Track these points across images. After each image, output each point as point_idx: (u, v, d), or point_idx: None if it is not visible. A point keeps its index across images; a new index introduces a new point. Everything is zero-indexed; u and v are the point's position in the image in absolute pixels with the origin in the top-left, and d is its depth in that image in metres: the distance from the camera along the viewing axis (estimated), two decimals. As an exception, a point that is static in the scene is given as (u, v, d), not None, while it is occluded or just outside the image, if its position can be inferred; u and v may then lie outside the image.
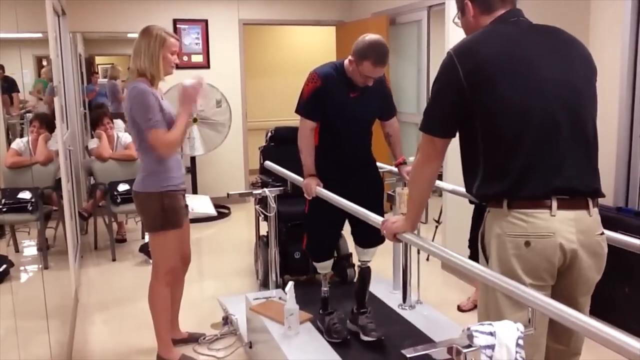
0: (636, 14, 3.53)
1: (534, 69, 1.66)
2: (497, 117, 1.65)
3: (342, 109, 2.77)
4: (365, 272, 3.00)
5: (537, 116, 1.63)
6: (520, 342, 1.35)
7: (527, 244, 1.60)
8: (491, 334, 1.32)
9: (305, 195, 2.87)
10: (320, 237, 2.98)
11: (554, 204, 1.60)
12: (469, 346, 1.29)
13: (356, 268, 3.04)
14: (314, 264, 3.05)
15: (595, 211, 1.68)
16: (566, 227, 1.61)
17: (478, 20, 1.79)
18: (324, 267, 3.03)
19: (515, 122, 1.64)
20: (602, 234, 1.72)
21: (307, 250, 3.04)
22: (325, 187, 2.75)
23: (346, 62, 2.74)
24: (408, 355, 1.27)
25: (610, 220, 3.37)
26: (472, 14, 1.80)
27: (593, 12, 3.80)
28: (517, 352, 1.34)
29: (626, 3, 3.53)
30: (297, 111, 2.85)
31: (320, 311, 3.00)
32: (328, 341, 2.76)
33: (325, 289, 3.02)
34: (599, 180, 1.73)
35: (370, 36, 2.65)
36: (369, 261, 3.01)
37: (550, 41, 1.73)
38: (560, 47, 1.73)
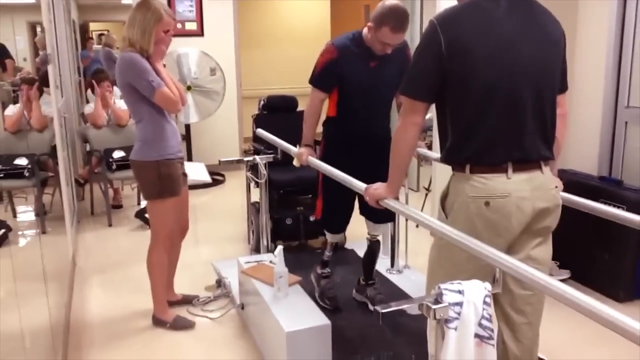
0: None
1: (507, 47, 1.74)
2: (469, 87, 1.75)
3: (361, 78, 2.72)
4: (375, 246, 3.04)
5: (503, 92, 1.74)
6: (488, 300, 1.45)
7: (487, 204, 1.75)
8: (460, 292, 1.42)
9: (294, 162, 2.94)
10: (335, 205, 2.93)
11: (510, 168, 1.75)
12: (438, 302, 1.39)
13: (364, 240, 3.08)
14: (326, 232, 3.06)
15: (547, 169, 1.83)
16: (521, 187, 1.76)
17: None
18: (335, 237, 3.07)
19: (482, 95, 1.74)
20: (556, 187, 1.87)
21: (321, 219, 3.01)
22: (337, 158, 2.70)
23: (365, 30, 2.68)
24: (382, 311, 1.37)
25: (592, 189, 3.48)
26: None
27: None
28: (484, 309, 1.44)
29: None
30: (309, 82, 2.82)
31: (319, 269, 3.08)
32: (319, 305, 2.85)
33: (329, 253, 3.10)
34: (551, 149, 1.87)
35: (390, 1, 2.57)
36: (378, 235, 3.04)
37: (526, 19, 1.79)
38: (535, 27, 1.80)
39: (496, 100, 1.74)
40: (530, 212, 1.77)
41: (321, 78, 2.78)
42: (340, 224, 3.01)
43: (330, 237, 3.06)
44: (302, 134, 2.92)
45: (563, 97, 1.97)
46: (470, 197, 1.77)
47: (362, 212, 2.97)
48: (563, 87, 1.96)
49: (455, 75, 1.75)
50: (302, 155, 2.85)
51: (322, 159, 2.83)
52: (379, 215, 2.79)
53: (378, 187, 2.02)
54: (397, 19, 2.52)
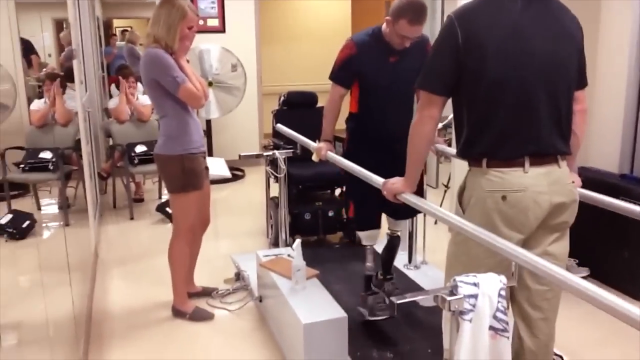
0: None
1: (518, 40, 1.75)
2: (480, 82, 1.76)
3: (381, 74, 2.71)
4: (395, 241, 2.99)
5: (516, 86, 1.75)
6: (503, 292, 1.47)
7: (504, 198, 1.76)
8: (475, 284, 1.43)
9: (312, 157, 2.95)
10: (363, 199, 2.84)
11: (527, 162, 1.76)
12: (454, 295, 1.40)
13: (385, 235, 3.01)
14: (358, 233, 2.93)
15: (564, 164, 1.84)
16: (538, 182, 1.76)
17: None
18: (369, 237, 2.89)
19: (493, 88, 1.76)
20: (573, 182, 1.87)
21: (353, 218, 2.93)
22: (360, 154, 2.69)
23: (384, 25, 2.66)
24: (397, 302, 1.39)
25: (613, 186, 3.45)
26: None
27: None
28: (499, 301, 1.45)
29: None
30: (329, 77, 2.81)
31: (363, 292, 2.91)
32: (372, 319, 2.79)
33: (370, 264, 2.89)
34: (568, 144, 1.86)
35: None
36: (398, 231, 3.00)
37: (542, 13, 1.80)
38: (550, 20, 1.81)
39: (507, 94, 1.75)
40: (547, 207, 1.78)
41: (340, 73, 2.78)
42: (371, 216, 2.88)
43: (365, 239, 2.91)
44: (321, 129, 2.93)
45: (582, 93, 1.96)
46: (487, 192, 1.78)
47: (382, 209, 2.92)
48: (582, 83, 1.95)
49: (470, 69, 1.77)
50: (321, 150, 2.86)
51: (346, 155, 2.82)
52: (399, 211, 2.81)
53: (395, 182, 2.04)
54: (414, 11, 2.51)
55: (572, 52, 1.85)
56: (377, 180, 2.24)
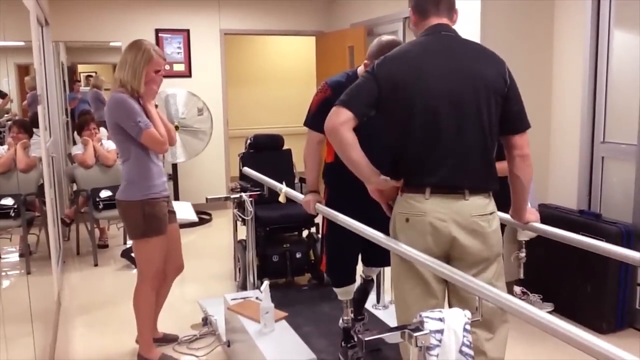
0: (595, 31, 3.73)
1: (426, 84, 1.90)
2: (392, 123, 1.97)
3: None
4: (369, 285, 2.98)
5: (419, 127, 1.90)
6: (467, 327, 1.49)
7: (407, 220, 1.92)
8: (440, 319, 1.46)
9: (279, 199, 2.93)
10: (340, 258, 2.79)
11: (427, 190, 1.90)
12: (420, 330, 1.42)
13: (358, 278, 2.94)
14: (334, 289, 2.83)
15: (474, 197, 1.91)
16: (437, 208, 1.89)
17: (418, 27, 2.05)
18: (345, 293, 2.82)
19: (402, 129, 1.93)
20: (489, 214, 1.93)
21: (328, 273, 2.90)
22: (341, 205, 2.53)
23: (360, 67, 2.62)
24: (365, 339, 1.40)
25: (572, 222, 3.56)
26: (414, 20, 2.06)
27: (556, 36, 4.00)
28: (464, 336, 1.48)
29: (585, 29, 3.73)
30: (305, 124, 2.66)
31: (342, 343, 2.86)
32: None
33: (347, 317, 2.84)
34: (479, 178, 1.94)
35: (386, 37, 2.54)
36: (372, 275, 3.00)
37: (455, 59, 1.94)
38: (463, 65, 1.93)
39: (412, 134, 1.91)
40: (448, 235, 1.88)
41: (315, 118, 2.60)
42: (347, 273, 2.81)
43: (341, 294, 2.83)
44: (288, 173, 2.92)
45: (520, 138, 2.00)
46: (398, 214, 1.96)
47: (363, 257, 2.90)
48: (515, 128, 2.00)
49: (386, 109, 1.95)
50: (309, 203, 2.65)
51: (327, 206, 2.68)
52: (379, 260, 2.81)
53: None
54: None
55: (485, 95, 1.91)
56: (364, 229, 2.19)
